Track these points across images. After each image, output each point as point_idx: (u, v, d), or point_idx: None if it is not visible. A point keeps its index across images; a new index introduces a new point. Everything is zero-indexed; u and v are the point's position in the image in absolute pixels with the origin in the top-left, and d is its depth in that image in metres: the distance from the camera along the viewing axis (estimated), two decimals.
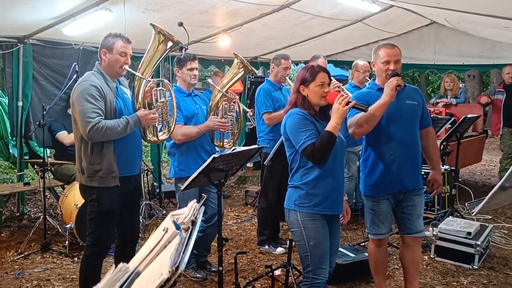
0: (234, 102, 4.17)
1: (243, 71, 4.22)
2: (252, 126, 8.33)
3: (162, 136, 3.49)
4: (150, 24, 3.33)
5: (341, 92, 3.02)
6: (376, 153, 3.33)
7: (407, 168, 3.25)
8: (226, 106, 4.14)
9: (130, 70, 3.38)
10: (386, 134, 3.25)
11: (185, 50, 3.94)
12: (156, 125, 3.38)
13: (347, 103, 2.78)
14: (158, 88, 3.38)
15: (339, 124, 2.78)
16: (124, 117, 3.14)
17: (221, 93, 4.07)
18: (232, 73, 4.23)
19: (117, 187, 3.16)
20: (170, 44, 3.33)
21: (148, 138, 3.41)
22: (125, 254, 3.34)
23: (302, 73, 2.93)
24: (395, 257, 4.53)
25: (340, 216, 3.18)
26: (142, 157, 3.50)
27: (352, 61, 5.91)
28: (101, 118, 3.03)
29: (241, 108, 4.30)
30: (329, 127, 2.77)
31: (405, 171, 3.25)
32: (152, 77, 3.38)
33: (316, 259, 2.86)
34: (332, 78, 3.09)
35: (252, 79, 8.83)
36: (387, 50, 3.23)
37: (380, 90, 3.23)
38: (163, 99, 3.38)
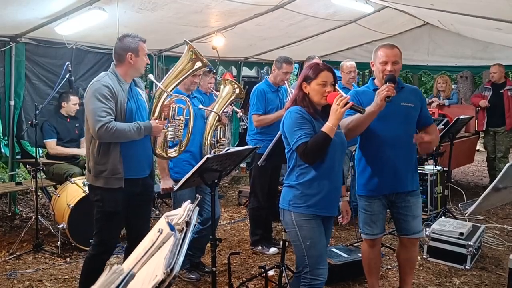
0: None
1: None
2: (245, 126, 8.33)
3: (172, 153, 3.50)
4: (184, 40, 3.36)
5: (340, 92, 3.00)
6: (368, 154, 3.34)
7: (398, 170, 3.24)
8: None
9: (155, 81, 3.44)
10: (377, 136, 3.25)
11: (213, 73, 3.95)
12: (168, 140, 3.40)
13: (345, 104, 2.73)
14: (178, 105, 3.40)
15: (335, 126, 2.74)
16: (137, 122, 3.15)
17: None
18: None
19: (122, 189, 3.16)
20: (199, 64, 3.36)
21: (157, 152, 3.42)
22: None
23: (306, 70, 2.90)
24: (388, 257, 4.55)
25: (339, 217, 3.18)
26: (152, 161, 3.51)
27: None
28: (111, 118, 3.04)
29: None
30: (325, 128, 2.74)
31: (396, 174, 3.24)
32: (146, 76, 3.40)
33: (313, 260, 2.83)
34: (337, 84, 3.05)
35: (246, 79, 8.82)
36: (386, 50, 3.21)
37: (376, 90, 3.23)
38: (180, 117, 3.41)
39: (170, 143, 3.49)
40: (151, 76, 3.47)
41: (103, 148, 3.12)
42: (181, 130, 3.42)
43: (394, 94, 3.06)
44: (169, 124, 3.35)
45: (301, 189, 2.83)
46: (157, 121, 3.24)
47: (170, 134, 3.37)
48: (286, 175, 2.95)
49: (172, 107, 3.37)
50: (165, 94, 3.30)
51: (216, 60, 7.70)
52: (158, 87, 3.31)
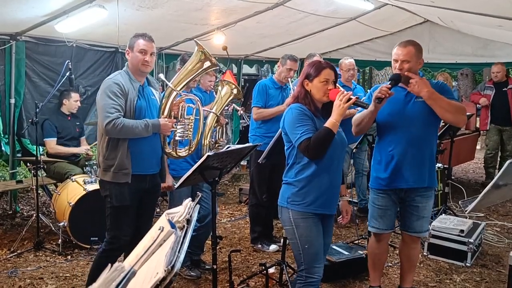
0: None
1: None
2: (246, 124, 8.34)
3: (182, 152, 3.53)
4: (194, 40, 3.38)
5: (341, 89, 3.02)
6: (379, 148, 3.39)
7: (405, 166, 3.25)
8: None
9: (165, 79, 3.48)
10: (386, 131, 3.31)
11: (223, 74, 3.97)
12: (176, 139, 3.43)
13: (348, 100, 2.74)
14: (187, 104, 3.44)
15: (338, 121, 2.74)
16: (145, 120, 3.21)
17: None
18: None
19: (129, 184, 3.22)
20: (208, 64, 3.40)
21: (166, 151, 3.45)
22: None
23: (308, 68, 2.90)
24: (388, 255, 4.54)
25: (339, 217, 3.18)
26: (163, 159, 3.53)
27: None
28: (119, 115, 3.12)
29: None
30: (328, 123, 2.74)
31: (402, 170, 3.25)
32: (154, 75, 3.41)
33: (309, 258, 2.84)
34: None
35: (246, 77, 8.79)
36: (398, 48, 3.22)
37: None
38: (190, 116, 3.44)
39: (180, 142, 3.52)
40: (161, 75, 3.54)
41: (112, 143, 3.21)
42: (190, 130, 3.44)
43: (386, 95, 3.06)
44: (178, 123, 3.39)
45: (299, 186, 2.82)
46: (166, 119, 3.29)
47: (179, 133, 3.40)
48: (285, 172, 2.96)
49: (182, 106, 3.41)
50: (175, 93, 3.34)
51: (216, 58, 7.67)
52: (168, 86, 3.35)
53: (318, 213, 2.85)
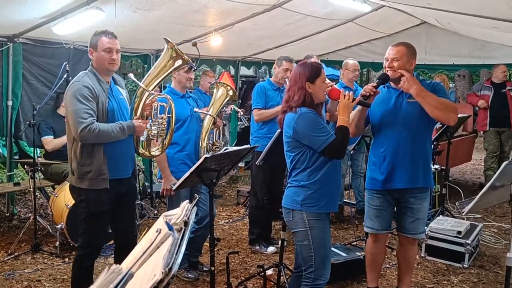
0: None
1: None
2: (243, 126, 8.35)
3: (155, 152, 3.48)
4: (164, 38, 3.33)
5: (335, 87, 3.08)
6: (373, 149, 3.43)
7: (397, 167, 3.26)
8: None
9: (135, 80, 3.38)
10: (379, 132, 3.34)
11: (193, 70, 3.95)
12: (150, 139, 3.37)
13: (353, 99, 2.88)
14: (160, 103, 3.38)
15: (348, 119, 2.85)
16: (120, 122, 3.12)
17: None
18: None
19: (106, 189, 3.13)
20: (179, 62, 3.33)
21: (140, 151, 3.39)
22: (124, 255, 3.33)
23: (306, 69, 2.87)
24: (386, 256, 4.54)
25: None
26: (135, 160, 3.47)
27: (344, 61, 5.92)
28: (93, 119, 3.00)
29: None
30: (343, 122, 2.83)
31: (395, 170, 3.27)
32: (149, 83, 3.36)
33: (320, 260, 2.85)
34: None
35: (244, 79, 8.79)
36: (390, 48, 3.27)
37: (388, 87, 3.34)
38: (163, 115, 3.37)
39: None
40: (131, 75, 3.44)
41: (86, 149, 3.08)
42: (164, 129, 3.38)
43: (371, 93, 3.12)
44: (151, 123, 3.33)
45: (314, 188, 2.84)
46: (139, 120, 3.21)
47: (154, 132, 3.34)
48: (292, 175, 2.94)
49: (154, 106, 3.34)
50: (147, 93, 3.26)
51: (214, 60, 7.67)
52: (139, 86, 3.27)
53: (328, 212, 2.92)
